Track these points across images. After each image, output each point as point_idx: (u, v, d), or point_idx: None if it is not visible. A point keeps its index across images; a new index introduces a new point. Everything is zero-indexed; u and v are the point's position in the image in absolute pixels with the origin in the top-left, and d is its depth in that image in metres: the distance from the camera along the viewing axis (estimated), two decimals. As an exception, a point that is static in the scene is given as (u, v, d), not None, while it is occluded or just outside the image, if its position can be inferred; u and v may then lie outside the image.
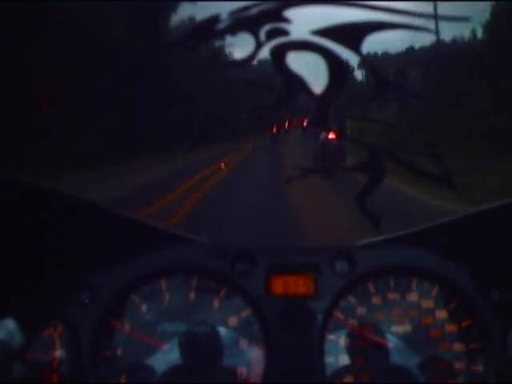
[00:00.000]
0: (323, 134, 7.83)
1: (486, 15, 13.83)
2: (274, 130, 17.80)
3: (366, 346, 0.86)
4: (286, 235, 4.55)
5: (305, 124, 24.84)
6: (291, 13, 0.65)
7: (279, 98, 0.71)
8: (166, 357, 0.85)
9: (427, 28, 0.68)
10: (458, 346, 0.86)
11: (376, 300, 0.89)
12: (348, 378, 0.84)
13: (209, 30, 0.65)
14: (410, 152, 0.77)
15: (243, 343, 0.86)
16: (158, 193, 7.19)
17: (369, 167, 0.78)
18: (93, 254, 0.90)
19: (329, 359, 0.84)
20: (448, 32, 18.91)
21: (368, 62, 0.73)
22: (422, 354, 0.85)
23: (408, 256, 0.91)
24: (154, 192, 7.37)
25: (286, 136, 20.31)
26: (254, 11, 0.65)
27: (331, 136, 7.42)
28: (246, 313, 0.87)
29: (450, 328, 0.87)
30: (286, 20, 0.66)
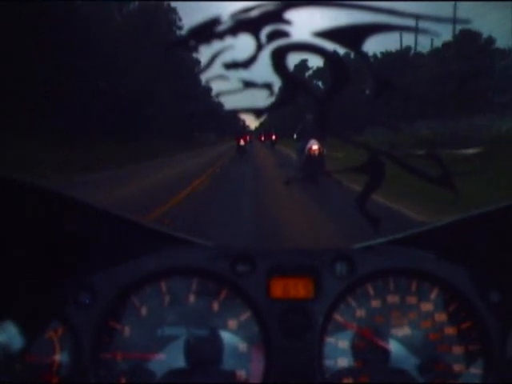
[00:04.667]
0: (307, 148, 9.18)
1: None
2: (242, 142, 17.93)
3: (365, 349, 0.85)
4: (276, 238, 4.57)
5: (274, 137, 25.02)
6: (292, 14, 0.65)
7: (280, 100, 0.70)
8: (166, 359, 0.85)
9: (428, 30, 0.68)
10: (457, 348, 0.86)
11: (375, 302, 0.89)
12: (347, 381, 0.84)
13: (209, 31, 0.65)
14: (410, 153, 0.76)
15: (243, 346, 0.86)
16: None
17: (369, 169, 0.78)
18: (93, 254, 0.90)
19: (328, 362, 0.84)
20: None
21: (368, 62, 0.73)
22: (422, 356, 0.85)
23: (407, 258, 0.91)
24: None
25: (251, 148, 20.47)
26: (254, 13, 0.65)
27: (314, 149, 9.11)
28: (246, 316, 0.87)
29: (450, 330, 0.87)
30: (287, 22, 0.65)
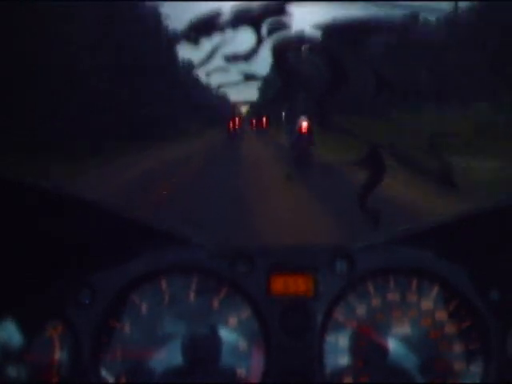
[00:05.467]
0: (298, 125, 9.08)
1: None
2: (231, 127, 17.78)
3: (365, 347, 0.85)
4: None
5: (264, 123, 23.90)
6: (293, 9, 0.65)
7: (279, 93, 0.70)
8: (166, 357, 0.85)
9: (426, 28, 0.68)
10: (457, 347, 0.86)
11: (375, 300, 0.88)
12: (347, 379, 0.84)
13: (211, 24, 0.65)
14: (411, 150, 0.76)
15: (243, 344, 0.86)
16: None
17: (369, 164, 0.78)
18: (93, 254, 0.90)
19: (328, 360, 0.84)
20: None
21: (368, 60, 0.73)
22: (422, 354, 0.85)
23: (407, 256, 0.91)
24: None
25: (242, 133, 20.04)
26: (255, 6, 0.64)
27: (304, 126, 8.97)
28: (246, 313, 0.87)
29: (450, 329, 0.87)
30: (288, 16, 0.65)
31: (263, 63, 0.69)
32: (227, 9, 0.64)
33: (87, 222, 0.90)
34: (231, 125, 17.89)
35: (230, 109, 18.71)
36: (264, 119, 23.77)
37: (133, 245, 0.91)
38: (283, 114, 10.21)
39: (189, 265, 0.90)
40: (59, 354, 0.84)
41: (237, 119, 18.67)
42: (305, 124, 9.06)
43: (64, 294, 0.88)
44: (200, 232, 0.97)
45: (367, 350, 0.85)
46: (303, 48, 0.70)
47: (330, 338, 0.86)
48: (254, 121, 26.70)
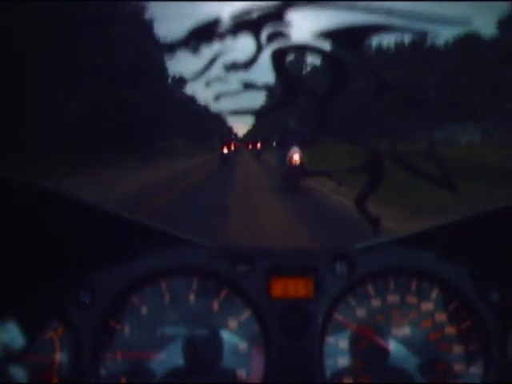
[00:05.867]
0: (289, 157, 8.91)
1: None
2: (225, 149, 17.71)
3: (365, 348, 0.86)
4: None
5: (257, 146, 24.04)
6: (292, 15, 0.65)
7: (279, 101, 0.71)
8: (166, 359, 0.85)
9: (427, 30, 0.68)
10: (457, 348, 0.86)
11: (375, 302, 0.89)
12: (347, 380, 0.84)
13: (210, 31, 0.65)
14: (411, 153, 0.76)
15: (243, 346, 0.86)
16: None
17: (369, 169, 0.78)
18: (93, 254, 0.90)
19: (328, 361, 0.84)
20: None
21: (369, 64, 0.73)
22: (422, 355, 0.85)
23: (407, 258, 0.91)
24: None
25: (235, 156, 20.12)
26: (255, 13, 0.65)
27: (295, 159, 8.86)
28: (246, 315, 0.87)
29: (450, 330, 0.87)
30: (287, 22, 0.65)
31: (263, 72, 0.69)
32: (225, 15, 0.64)
33: (87, 223, 0.90)
34: (225, 148, 17.73)
35: (226, 132, 18.57)
36: (259, 145, 24.23)
37: (133, 246, 0.92)
38: (274, 141, 10.07)
39: (189, 266, 0.90)
40: (59, 355, 0.84)
41: (232, 144, 18.51)
42: (296, 156, 8.91)
43: (64, 294, 0.88)
44: (200, 233, 0.97)
45: (367, 351, 0.85)
46: (304, 53, 0.70)
47: (330, 340, 0.86)
48: (249, 144, 27.45)
